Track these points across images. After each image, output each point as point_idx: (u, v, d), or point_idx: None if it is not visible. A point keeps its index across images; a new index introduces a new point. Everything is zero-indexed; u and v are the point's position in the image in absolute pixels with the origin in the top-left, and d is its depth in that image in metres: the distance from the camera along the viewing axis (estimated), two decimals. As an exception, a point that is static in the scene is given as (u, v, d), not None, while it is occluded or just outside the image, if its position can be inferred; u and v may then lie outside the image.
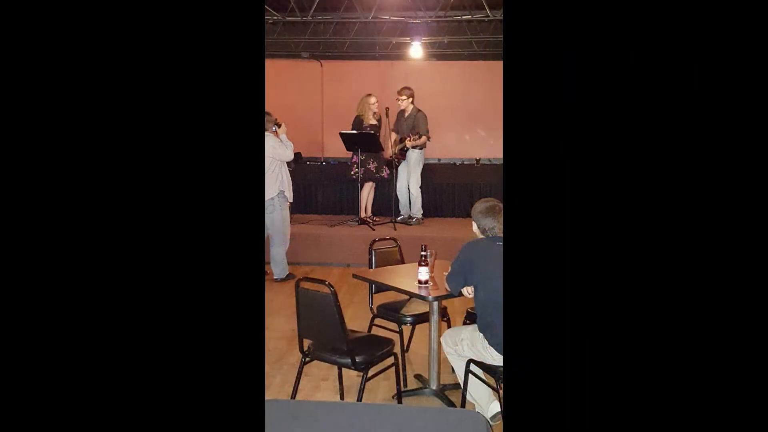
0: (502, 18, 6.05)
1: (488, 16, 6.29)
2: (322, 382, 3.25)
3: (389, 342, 2.80)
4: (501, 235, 2.63)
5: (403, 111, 6.54)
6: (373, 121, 6.45)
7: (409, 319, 3.25)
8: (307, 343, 2.80)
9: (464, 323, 3.33)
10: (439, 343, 2.95)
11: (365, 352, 2.64)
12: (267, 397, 2.88)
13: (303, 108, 8.35)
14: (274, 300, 4.72)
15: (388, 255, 3.59)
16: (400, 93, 6.44)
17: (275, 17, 6.64)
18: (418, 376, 3.33)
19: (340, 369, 3.01)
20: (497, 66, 7.09)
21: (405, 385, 3.19)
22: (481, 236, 2.70)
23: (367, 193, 6.67)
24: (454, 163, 7.85)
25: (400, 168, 6.64)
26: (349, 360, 2.60)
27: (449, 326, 3.33)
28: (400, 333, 3.31)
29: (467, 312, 3.36)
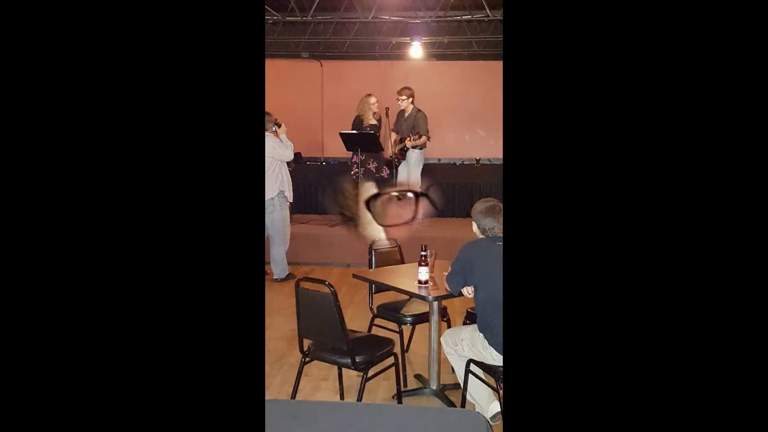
0: (502, 18, 6.05)
1: (488, 16, 6.30)
2: (322, 382, 3.25)
3: (389, 342, 2.80)
4: (501, 235, 2.63)
5: (403, 111, 6.53)
6: (373, 121, 6.45)
7: (409, 319, 3.25)
8: (307, 343, 2.80)
9: (464, 323, 3.33)
10: (439, 343, 2.95)
11: (365, 352, 2.64)
12: (267, 397, 2.88)
13: (303, 108, 8.35)
14: (274, 300, 4.72)
15: (388, 255, 3.59)
16: (400, 93, 6.44)
17: (275, 17, 6.64)
18: (418, 376, 3.33)
19: (340, 369, 3.01)
20: (497, 66, 7.09)
21: (405, 385, 3.19)
22: (481, 236, 2.70)
23: (367, 193, 6.68)
24: (454, 163, 7.85)
25: (400, 168, 6.63)
26: (349, 360, 2.60)
27: (449, 326, 3.33)
28: (400, 333, 3.31)
29: (467, 312, 3.36)
